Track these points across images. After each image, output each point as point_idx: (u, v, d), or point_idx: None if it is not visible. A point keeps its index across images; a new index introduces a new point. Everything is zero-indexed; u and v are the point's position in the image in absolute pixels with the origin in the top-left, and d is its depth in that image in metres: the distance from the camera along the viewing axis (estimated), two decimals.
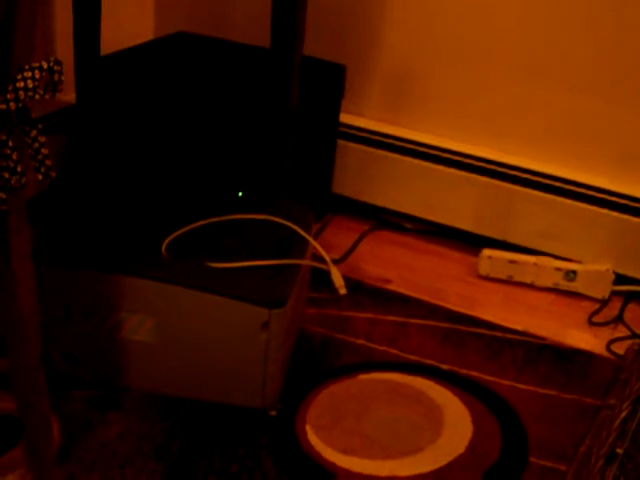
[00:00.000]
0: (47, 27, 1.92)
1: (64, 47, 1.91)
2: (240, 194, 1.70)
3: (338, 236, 2.06)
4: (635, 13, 1.83)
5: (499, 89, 2.00)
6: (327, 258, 1.73)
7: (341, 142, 2.11)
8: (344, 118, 2.10)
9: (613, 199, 1.93)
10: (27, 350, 1.24)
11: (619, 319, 1.86)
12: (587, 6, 1.86)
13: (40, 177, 1.16)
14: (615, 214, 1.93)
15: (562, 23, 1.90)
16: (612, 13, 1.85)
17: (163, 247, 1.51)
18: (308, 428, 1.46)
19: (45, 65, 1.09)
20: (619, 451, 1.11)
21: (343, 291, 1.74)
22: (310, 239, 1.60)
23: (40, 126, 1.13)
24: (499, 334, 1.77)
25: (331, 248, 1.96)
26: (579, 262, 1.95)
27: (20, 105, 1.09)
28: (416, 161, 2.08)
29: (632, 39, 1.85)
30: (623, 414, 1.17)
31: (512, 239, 2.03)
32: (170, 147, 1.87)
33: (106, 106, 1.88)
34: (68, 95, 1.93)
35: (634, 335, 1.81)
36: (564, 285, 1.93)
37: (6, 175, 1.10)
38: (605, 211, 1.94)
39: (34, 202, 1.23)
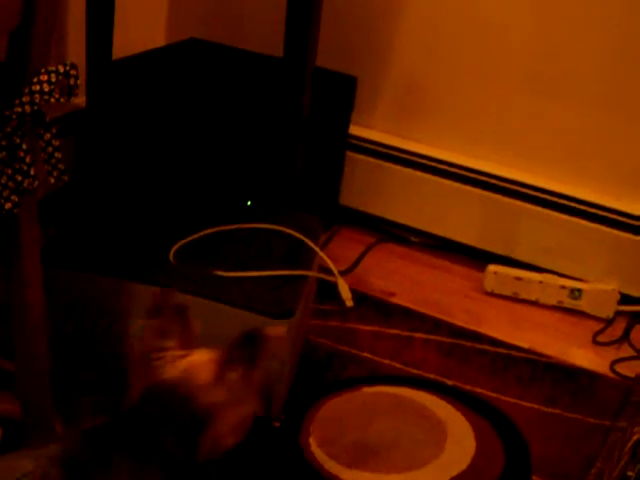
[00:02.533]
0: (59, 31, 1.91)
1: (76, 51, 1.91)
2: (249, 203, 1.70)
3: (344, 248, 2.05)
4: None
5: (508, 104, 2.00)
6: (335, 270, 1.73)
7: (350, 154, 2.11)
8: (353, 130, 2.10)
9: (619, 218, 1.93)
10: (33, 353, 1.24)
11: (624, 339, 1.86)
12: (600, 23, 1.86)
13: (52, 180, 1.15)
14: (621, 233, 1.93)
15: (575, 39, 1.90)
16: (625, 31, 1.85)
17: (171, 254, 1.51)
18: (312, 440, 1.45)
19: (61, 69, 1.09)
20: (630, 474, 1.11)
21: (350, 303, 1.74)
22: (318, 250, 1.60)
23: (54, 130, 1.13)
24: (503, 351, 1.76)
25: (337, 260, 1.95)
26: (584, 281, 1.94)
27: (35, 108, 1.09)
28: (424, 175, 2.07)
29: None
30: (635, 437, 1.16)
31: (517, 255, 2.03)
32: (179, 154, 1.87)
33: (116, 111, 1.87)
34: (79, 98, 1.92)
35: (639, 356, 1.80)
36: (569, 303, 1.93)
37: (19, 178, 1.10)
38: (611, 230, 1.94)
39: (44, 203, 1.23)
